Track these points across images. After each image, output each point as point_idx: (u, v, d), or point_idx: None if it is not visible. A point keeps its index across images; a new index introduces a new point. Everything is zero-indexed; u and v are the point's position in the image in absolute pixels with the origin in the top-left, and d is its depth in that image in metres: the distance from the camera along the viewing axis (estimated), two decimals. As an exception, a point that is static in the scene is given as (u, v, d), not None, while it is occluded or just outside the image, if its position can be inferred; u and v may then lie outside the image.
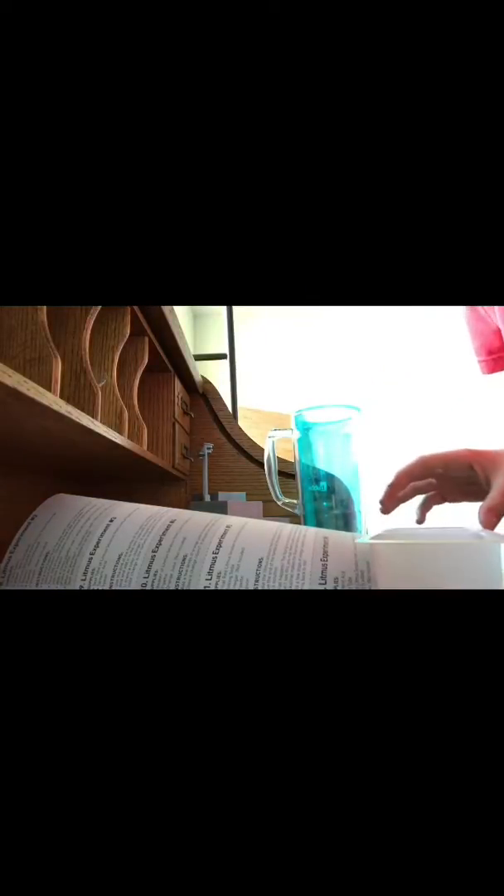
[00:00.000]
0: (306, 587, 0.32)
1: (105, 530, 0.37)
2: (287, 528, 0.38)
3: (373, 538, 0.31)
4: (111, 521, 0.38)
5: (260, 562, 0.34)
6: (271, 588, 0.32)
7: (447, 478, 0.52)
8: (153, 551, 0.35)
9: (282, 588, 0.32)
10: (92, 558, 0.35)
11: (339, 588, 0.32)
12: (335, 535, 0.37)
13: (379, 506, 0.50)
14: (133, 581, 0.33)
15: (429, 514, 0.54)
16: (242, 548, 0.35)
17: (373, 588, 0.31)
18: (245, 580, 0.32)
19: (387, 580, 0.29)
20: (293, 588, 0.32)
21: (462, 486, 0.52)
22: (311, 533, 0.37)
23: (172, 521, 0.38)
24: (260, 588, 0.32)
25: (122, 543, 0.36)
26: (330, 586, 0.32)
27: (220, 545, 0.35)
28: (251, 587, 0.32)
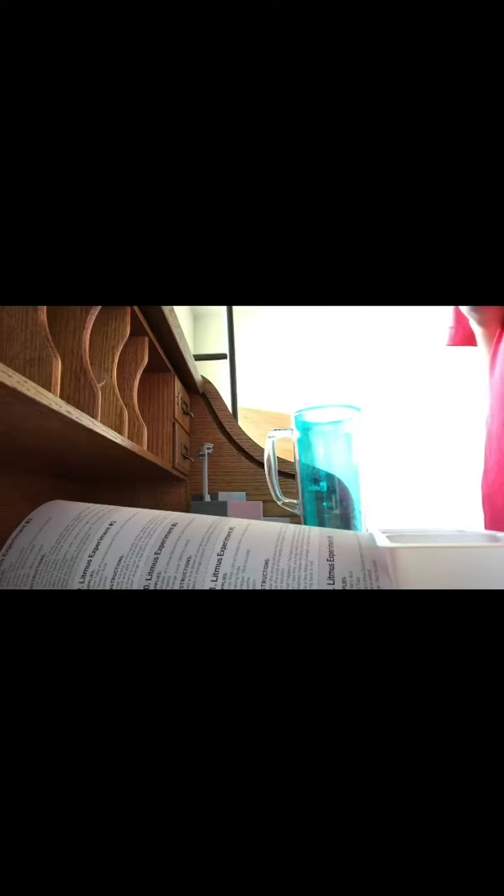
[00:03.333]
0: (314, 587, 0.32)
1: (105, 533, 0.37)
2: (290, 528, 0.38)
3: (392, 541, 0.31)
4: (111, 524, 0.38)
5: (266, 563, 0.34)
6: (279, 589, 0.32)
7: None
8: (156, 553, 0.35)
9: (290, 589, 0.32)
10: (91, 560, 0.35)
11: (347, 588, 0.31)
12: (339, 535, 0.37)
13: None
14: (135, 583, 0.33)
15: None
16: (248, 549, 0.35)
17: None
18: (252, 581, 0.32)
19: (409, 585, 0.29)
20: (302, 589, 0.32)
21: None
22: (315, 533, 0.37)
23: (174, 525, 0.37)
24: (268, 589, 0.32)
25: (123, 546, 0.35)
26: (338, 586, 0.31)
27: (224, 547, 0.34)
28: (259, 588, 0.32)
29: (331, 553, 0.34)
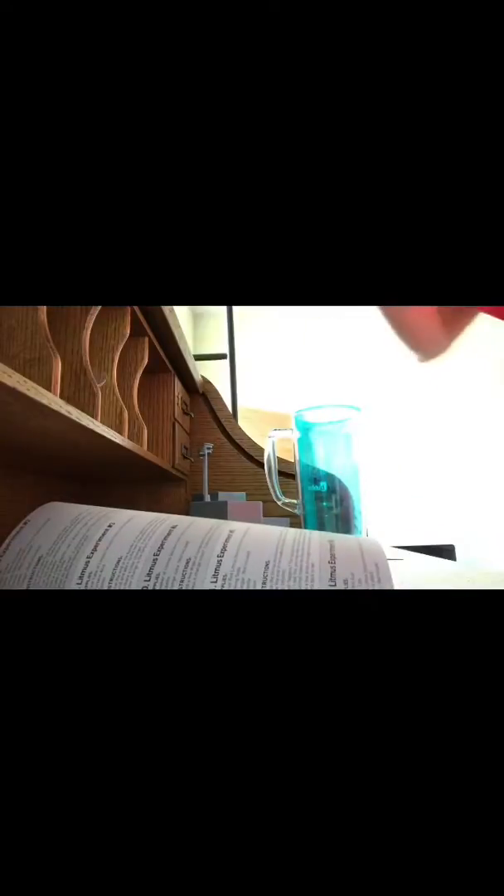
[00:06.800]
0: (316, 589, 0.32)
1: (103, 535, 0.36)
2: (291, 531, 0.38)
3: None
4: (110, 526, 0.37)
5: (267, 564, 0.34)
6: (280, 589, 0.32)
7: None
8: (155, 555, 0.34)
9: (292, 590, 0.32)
10: (89, 562, 0.34)
11: (349, 589, 0.31)
12: (341, 538, 0.37)
13: None
14: (133, 584, 0.33)
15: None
16: (248, 551, 0.35)
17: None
18: (252, 582, 0.32)
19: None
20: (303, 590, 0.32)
21: None
22: (315, 536, 0.37)
23: (174, 527, 0.37)
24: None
25: (122, 547, 0.35)
26: (340, 588, 0.31)
27: (224, 549, 0.34)
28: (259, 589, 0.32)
29: (332, 555, 0.34)
